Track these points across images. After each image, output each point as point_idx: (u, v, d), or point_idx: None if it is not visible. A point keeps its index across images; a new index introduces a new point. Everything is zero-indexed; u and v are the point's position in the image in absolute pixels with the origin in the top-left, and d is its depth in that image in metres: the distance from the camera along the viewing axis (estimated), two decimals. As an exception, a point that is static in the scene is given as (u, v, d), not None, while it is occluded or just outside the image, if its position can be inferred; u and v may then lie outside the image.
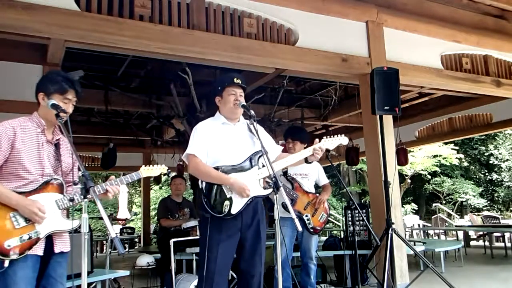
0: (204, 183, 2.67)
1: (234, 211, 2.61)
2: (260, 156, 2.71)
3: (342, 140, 2.86)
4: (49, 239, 2.22)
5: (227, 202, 2.60)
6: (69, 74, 2.45)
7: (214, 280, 2.59)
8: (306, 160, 2.85)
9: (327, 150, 2.92)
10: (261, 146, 2.60)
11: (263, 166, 2.49)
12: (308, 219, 4.06)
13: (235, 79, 2.79)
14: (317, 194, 4.21)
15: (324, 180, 4.36)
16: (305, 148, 4.15)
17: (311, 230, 4.07)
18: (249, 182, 2.65)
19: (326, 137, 2.83)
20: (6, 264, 2.03)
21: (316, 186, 4.41)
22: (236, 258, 2.76)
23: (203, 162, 2.70)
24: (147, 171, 2.44)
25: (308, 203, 4.12)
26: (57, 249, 2.26)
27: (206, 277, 2.60)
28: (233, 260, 2.75)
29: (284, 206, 3.68)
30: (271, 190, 2.72)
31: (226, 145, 2.73)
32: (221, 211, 2.59)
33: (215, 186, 2.64)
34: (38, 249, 2.15)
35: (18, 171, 2.16)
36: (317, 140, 2.81)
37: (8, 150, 2.15)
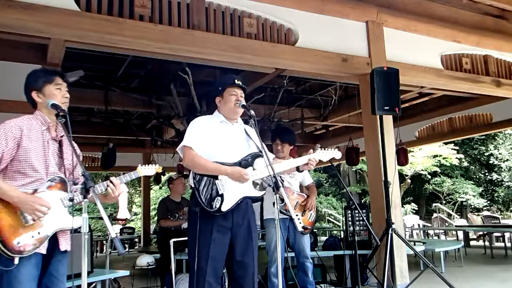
0: (197, 177, 2.64)
1: (224, 208, 2.59)
2: (255, 158, 2.72)
3: (335, 154, 2.92)
4: (53, 238, 2.21)
5: (218, 198, 2.59)
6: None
7: (206, 279, 2.51)
8: (298, 169, 2.88)
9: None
10: (257, 148, 2.63)
11: (269, 164, 2.50)
12: (298, 219, 4.09)
13: (236, 80, 2.81)
14: (305, 195, 4.26)
15: (309, 180, 4.43)
16: (291, 149, 4.20)
17: (302, 229, 4.10)
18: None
19: (321, 149, 2.90)
20: (16, 261, 2.02)
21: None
22: (227, 259, 2.69)
23: (199, 155, 2.67)
24: (144, 170, 2.56)
25: (296, 203, 4.15)
26: (62, 247, 2.25)
27: (197, 276, 2.54)
28: (225, 259, 2.69)
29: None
30: (263, 192, 2.75)
31: (222, 142, 2.72)
32: (212, 207, 2.57)
33: (208, 181, 2.62)
34: (43, 248, 2.14)
35: (24, 170, 2.16)
36: (311, 150, 2.85)
37: (14, 149, 2.14)
